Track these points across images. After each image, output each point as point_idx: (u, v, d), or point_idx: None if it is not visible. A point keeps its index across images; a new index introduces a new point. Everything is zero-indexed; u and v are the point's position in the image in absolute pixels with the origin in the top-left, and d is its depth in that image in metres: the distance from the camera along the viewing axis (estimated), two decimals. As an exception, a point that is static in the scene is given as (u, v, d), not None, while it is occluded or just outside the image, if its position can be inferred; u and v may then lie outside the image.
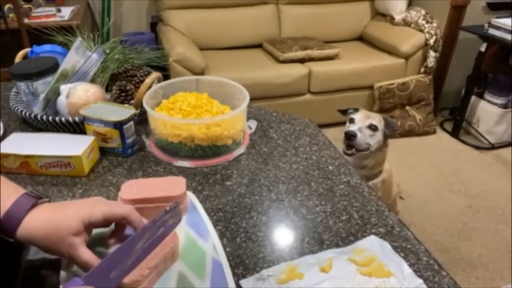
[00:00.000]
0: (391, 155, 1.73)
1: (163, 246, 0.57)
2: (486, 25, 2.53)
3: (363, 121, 1.60)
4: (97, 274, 0.47)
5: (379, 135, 1.60)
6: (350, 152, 1.58)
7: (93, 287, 0.45)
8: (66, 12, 2.55)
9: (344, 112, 1.73)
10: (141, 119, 0.97)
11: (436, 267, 0.61)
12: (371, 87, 2.84)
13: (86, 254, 0.52)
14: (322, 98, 2.81)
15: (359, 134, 1.56)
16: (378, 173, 1.68)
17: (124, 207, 0.56)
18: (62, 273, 0.56)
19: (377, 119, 1.61)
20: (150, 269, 0.54)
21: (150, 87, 0.93)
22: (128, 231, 0.58)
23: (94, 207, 0.54)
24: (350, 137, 1.56)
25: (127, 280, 0.51)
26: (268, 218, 0.71)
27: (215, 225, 0.68)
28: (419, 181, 2.40)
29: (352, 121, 1.62)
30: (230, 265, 0.60)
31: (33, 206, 0.53)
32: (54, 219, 0.52)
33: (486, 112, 2.75)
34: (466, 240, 1.98)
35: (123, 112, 0.85)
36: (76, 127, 0.90)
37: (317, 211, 0.72)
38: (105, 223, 0.55)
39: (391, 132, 1.63)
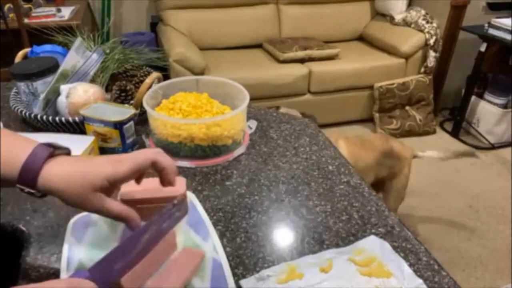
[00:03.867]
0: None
1: (162, 253, 0.57)
2: (486, 25, 2.53)
3: None
4: (102, 266, 0.47)
5: None
6: None
7: (95, 285, 0.45)
8: (66, 12, 2.55)
9: None
10: (141, 119, 0.97)
11: (436, 267, 0.61)
12: (371, 87, 2.84)
13: (115, 207, 0.51)
14: (322, 98, 2.81)
15: None
16: None
17: (150, 155, 0.54)
18: (62, 273, 0.56)
19: None
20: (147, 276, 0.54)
21: (150, 87, 0.93)
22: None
23: (120, 163, 0.52)
24: None
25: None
26: (268, 218, 0.71)
27: (215, 225, 0.68)
28: (419, 181, 2.39)
29: None
30: (230, 265, 0.60)
31: (50, 156, 0.51)
32: (76, 172, 0.50)
33: (486, 112, 2.75)
34: (466, 240, 1.98)
35: (123, 112, 0.85)
36: (76, 127, 0.90)
37: (317, 211, 0.72)
38: (133, 177, 0.54)
39: None
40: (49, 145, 0.53)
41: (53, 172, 0.50)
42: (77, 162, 0.52)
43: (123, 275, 0.50)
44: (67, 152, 0.55)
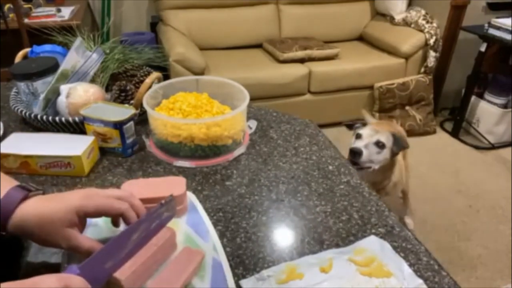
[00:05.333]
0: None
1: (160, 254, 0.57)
2: (486, 25, 2.53)
3: (370, 137, 1.49)
4: (93, 264, 0.48)
5: (385, 153, 1.48)
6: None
7: (84, 281, 0.45)
8: (66, 12, 2.55)
9: (350, 126, 1.63)
10: (141, 119, 0.97)
11: (436, 267, 0.61)
12: (371, 87, 2.84)
13: (86, 242, 0.52)
14: (322, 98, 2.81)
15: (364, 152, 1.45)
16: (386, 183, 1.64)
17: (122, 204, 0.55)
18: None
19: (385, 136, 1.48)
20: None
21: (150, 87, 0.93)
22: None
23: (90, 198, 0.54)
24: (355, 154, 1.44)
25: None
26: (268, 218, 0.71)
27: (215, 225, 0.68)
28: (419, 181, 2.40)
29: (358, 136, 1.51)
30: (230, 265, 0.60)
31: (25, 198, 0.53)
32: (47, 211, 0.52)
33: (486, 112, 2.75)
34: (466, 240, 1.98)
35: (123, 112, 0.85)
36: (76, 127, 0.90)
37: (317, 211, 0.72)
38: (99, 216, 0.55)
39: (398, 150, 1.51)
40: (24, 187, 0.54)
41: (25, 213, 0.52)
42: (49, 201, 0.54)
43: (113, 273, 0.50)
44: (41, 193, 0.57)
